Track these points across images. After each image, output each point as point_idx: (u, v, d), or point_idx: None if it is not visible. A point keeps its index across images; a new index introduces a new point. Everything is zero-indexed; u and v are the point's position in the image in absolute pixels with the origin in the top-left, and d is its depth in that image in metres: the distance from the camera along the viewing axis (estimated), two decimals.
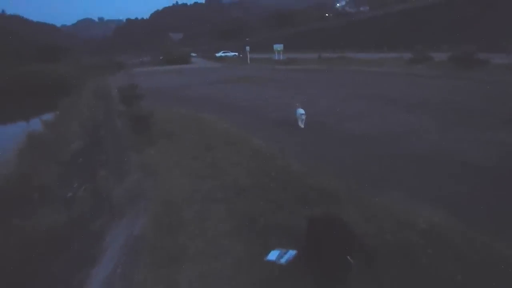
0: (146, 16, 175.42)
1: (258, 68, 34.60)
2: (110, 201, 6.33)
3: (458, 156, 7.18)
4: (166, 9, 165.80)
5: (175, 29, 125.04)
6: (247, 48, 44.75)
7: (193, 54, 58.64)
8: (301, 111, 10.06)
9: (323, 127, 10.10)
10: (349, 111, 12.13)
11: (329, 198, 5.39)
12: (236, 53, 57.61)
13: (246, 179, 6.41)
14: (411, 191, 5.68)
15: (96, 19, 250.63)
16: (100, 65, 34.45)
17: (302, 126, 9.89)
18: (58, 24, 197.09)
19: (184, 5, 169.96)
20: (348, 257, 3.67)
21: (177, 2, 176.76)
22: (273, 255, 4.25)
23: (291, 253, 4.24)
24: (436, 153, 7.48)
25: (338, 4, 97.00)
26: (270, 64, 38.34)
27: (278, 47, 42.92)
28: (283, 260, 4.17)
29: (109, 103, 17.02)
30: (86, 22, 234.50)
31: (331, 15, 77.36)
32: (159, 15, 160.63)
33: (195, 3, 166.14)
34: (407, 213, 4.91)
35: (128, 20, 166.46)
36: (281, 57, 41.36)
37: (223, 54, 58.29)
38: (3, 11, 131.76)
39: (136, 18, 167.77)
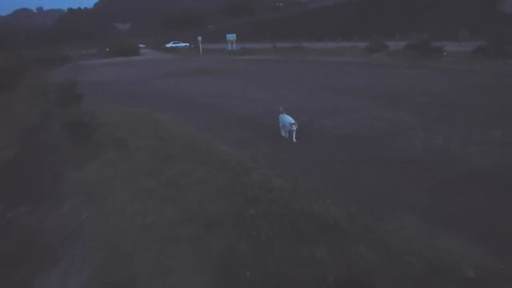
0: (90, 5, 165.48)
1: (213, 59, 32.88)
2: (32, 246, 4.68)
3: (460, 161, 6.28)
4: None
5: (122, 19, 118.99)
6: (199, 38, 42.72)
7: (142, 45, 55.39)
8: (289, 119, 7.78)
9: (299, 127, 8.89)
10: (322, 106, 11.03)
11: (331, 232, 4.16)
12: (187, 44, 55.34)
13: (217, 204, 5.03)
14: (427, 216, 4.60)
15: (34, 9, 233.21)
16: (42, 59, 31.07)
17: (294, 139, 7.69)
18: None
19: None
20: None
21: None
22: None
23: None
24: (431, 156, 6.54)
25: None
26: (225, 55, 36.74)
27: (231, 37, 41.54)
28: None
29: (46, 104, 14.75)
30: (23, 12, 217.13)
31: (282, 5, 76.47)
32: (104, 5, 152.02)
33: None
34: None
35: (69, 10, 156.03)
36: (234, 47, 40.02)
37: (173, 45, 55.64)
38: None
39: (79, 8, 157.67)
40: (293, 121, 7.52)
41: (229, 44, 41.04)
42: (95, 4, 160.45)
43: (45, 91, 13.62)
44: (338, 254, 3.74)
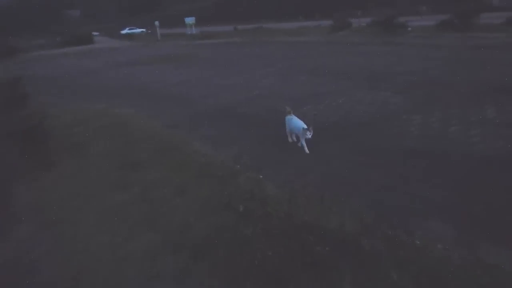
0: None
1: (173, 44, 31.23)
2: None
3: (466, 148, 5.72)
4: None
5: (71, 5, 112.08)
6: (156, 23, 40.60)
7: (96, 33, 52.17)
8: (298, 123, 6.02)
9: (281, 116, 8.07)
10: (299, 90, 10.24)
11: (349, 253, 3.41)
12: (144, 29, 52.76)
13: (203, 223, 4.16)
14: (457, 221, 3.94)
15: None
16: None
17: (306, 149, 5.93)
18: None
19: None
20: None
21: None
22: None
23: None
24: (434, 143, 5.95)
25: None
26: (185, 40, 35.08)
27: (190, 20, 39.89)
28: None
29: None
30: None
31: None
32: None
33: None
34: None
35: None
36: (194, 31, 38.43)
37: (129, 31, 52.84)
38: None
39: None
40: (305, 127, 5.74)
41: (188, 28, 39.33)
42: None
43: None
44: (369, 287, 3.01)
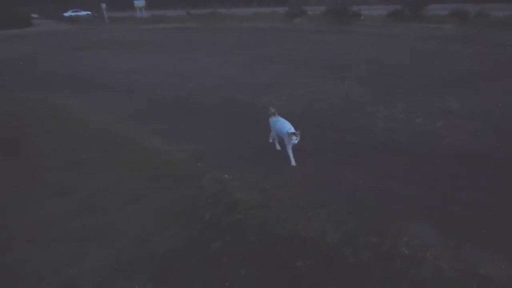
0: None
1: (122, 29, 29.44)
2: None
3: (435, 140, 5.57)
4: None
5: None
6: (103, 5, 38.12)
7: (35, 15, 48.13)
8: (284, 125, 5.06)
9: (242, 108, 7.59)
10: (258, 79, 9.77)
11: (334, 267, 3.04)
12: (89, 12, 49.49)
13: (162, 236, 3.60)
14: (442, 225, 3.69)
15: None
16: None
17: (292, 159, 4.98)
18: None
19: None
20: None
21: None
22: None
23: None
24: (402, 136, 5.76)
25: None
26: (135, 24, 33.25)
27: (140, 3, 37.97)
28: None
29: None
30: None
31: None
32: None
33: None
34: None
35: None
36: (144, 15, 36.63)
37: (73, 14, 49.33)
38: None
39: None
40: (292, 130, 4.85)
41: (138, 12, 37.39)
42: None
43: None
44: None
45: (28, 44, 22.04)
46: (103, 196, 4.40)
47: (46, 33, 29.74)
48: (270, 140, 5.58)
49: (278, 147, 5.42)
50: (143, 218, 3.92)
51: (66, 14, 49.55)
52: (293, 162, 4.96)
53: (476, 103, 7.07)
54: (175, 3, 45.74)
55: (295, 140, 4.79)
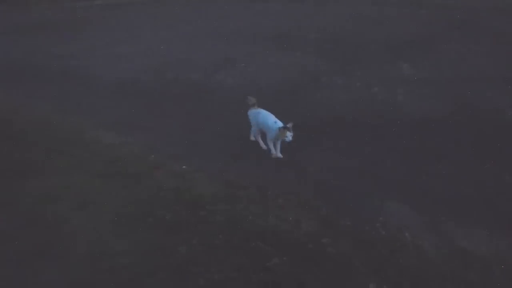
0: None
1: (51, 7, 26.86)
2: None
3: (395, 110, 5.51)
4: None
5: None
6: None
7: None
8: (269, 119, 4.36)
9: (193, 89, 7.12)
10: (206, 56, 9.13)
11: (315, 259, 2.83)
12: None
13: (119, 245, 3.19)
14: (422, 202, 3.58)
15: None
16: None
17: (279, 153, 4.36)
18: None
19: None
20: None
21: None
22: None
23: None
24: (363, 106, 5.65)
25: None
26: (69, 1, 30.49)
27: None
28: None
29: None
30: None
31: None
32: None
33: None
34: None
35: None
36: None
37: None
38: None
39: None
40: (280, 124, 4.14)
41: None
42: None
43: None
44: None
45: None
46: (46, 203, 3.87)
47: None
48: (252, 138, 4.71)
49: (263, 145, 4.53)
50: (96, 226, 3.48)
51: None
52: (275, 153, 4.30)
53: (429, 68, 7.09)
54: None
55: (290, 136, 3.97)
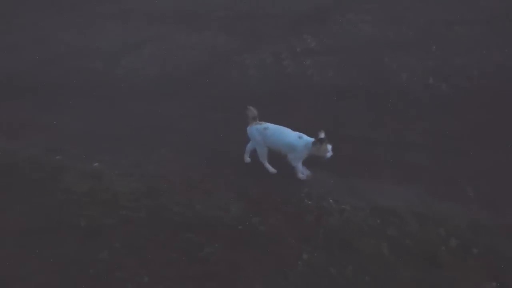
0: None
1: None
2: None
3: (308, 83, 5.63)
4: None
5: None
6: None
7: None
8: (291, 136, 3.40)
9: (90, 76, 6.53)
10: (108, 41, 8.33)
11: (249, 248, 2.78)
12: None
13: (48, 271, 2.83)
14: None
15: None
16: None
17: (306, 171, 3.47)
18: None
19: None
20: None
21: None
22: None
23: None
24: (274, 83, 5.69)
25: None
26: None
27: None
28: None
29: None
30: None
31: None
32: None
33: None
34: None
35: None
36: None
37: None
38: None
39: None
40: (309, 138, 3.31)
41: None
42: None
43: None
44: None
45: None
46: None
47: None
48: (248, 160, 3.74)
49: (273, 170, 3.58)
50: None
51: None
52: (306, 172, 3.44)
53: (331, 38, 7.36)
54: None
55: (330, 150, 3.20)
